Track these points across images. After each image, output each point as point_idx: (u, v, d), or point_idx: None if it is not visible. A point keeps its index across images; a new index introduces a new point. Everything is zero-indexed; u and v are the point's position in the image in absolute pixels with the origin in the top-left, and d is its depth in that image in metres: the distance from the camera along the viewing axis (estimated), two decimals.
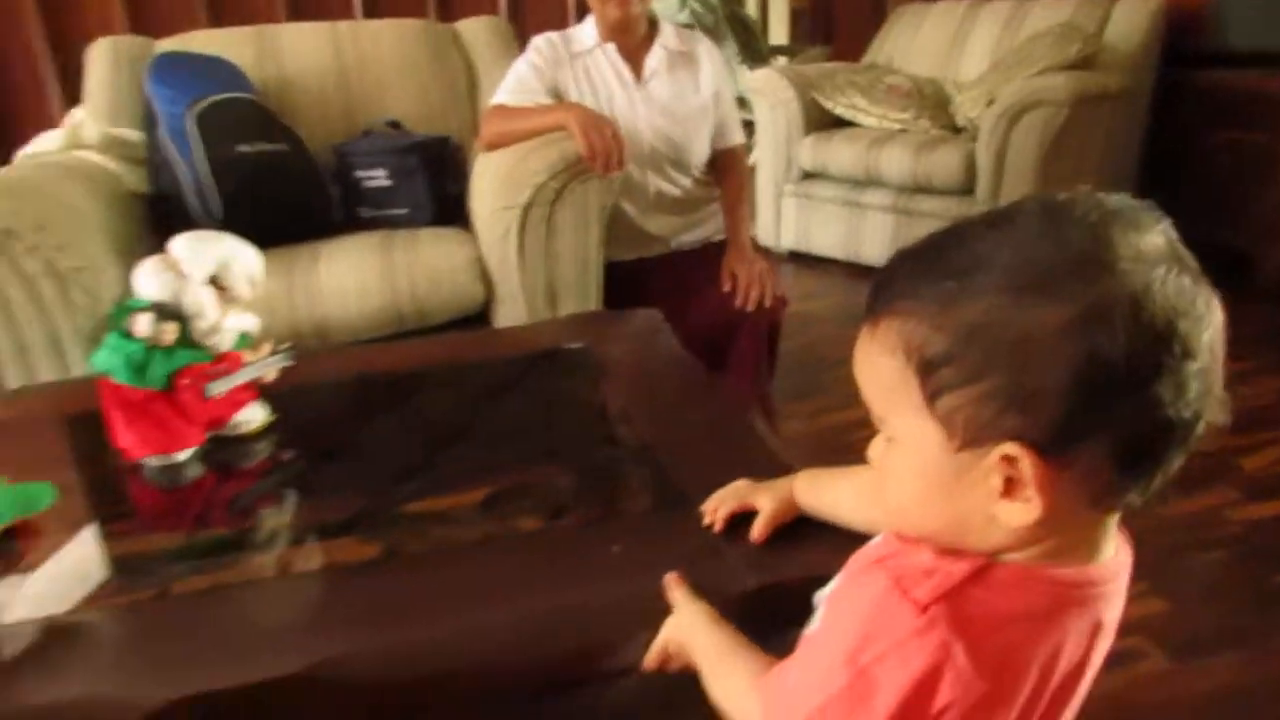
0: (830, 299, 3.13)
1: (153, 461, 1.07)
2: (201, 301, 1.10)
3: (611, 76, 2.01)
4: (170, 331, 1.06)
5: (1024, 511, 0.49)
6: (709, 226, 2.18)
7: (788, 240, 3.55)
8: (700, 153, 2.10)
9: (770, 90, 3.45)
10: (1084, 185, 0.51)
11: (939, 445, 0.50)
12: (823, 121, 3.41)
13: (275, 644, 0.78)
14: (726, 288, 1.99)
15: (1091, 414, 0.46)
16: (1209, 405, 0.48)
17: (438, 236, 1.96)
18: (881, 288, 0.53)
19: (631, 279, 2.02)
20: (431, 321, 1.87)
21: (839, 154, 3.25)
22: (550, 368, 1.41)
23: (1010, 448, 0.48)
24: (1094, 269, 0.46)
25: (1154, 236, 0.48)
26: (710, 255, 2.09)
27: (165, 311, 1.07)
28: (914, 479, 0.53)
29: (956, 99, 3.29)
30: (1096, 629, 0.54)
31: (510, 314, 1.87)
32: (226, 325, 1.13)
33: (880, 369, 0.52)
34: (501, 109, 1.96)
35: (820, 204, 3.37)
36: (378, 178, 2.12)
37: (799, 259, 3.53)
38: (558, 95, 1.99)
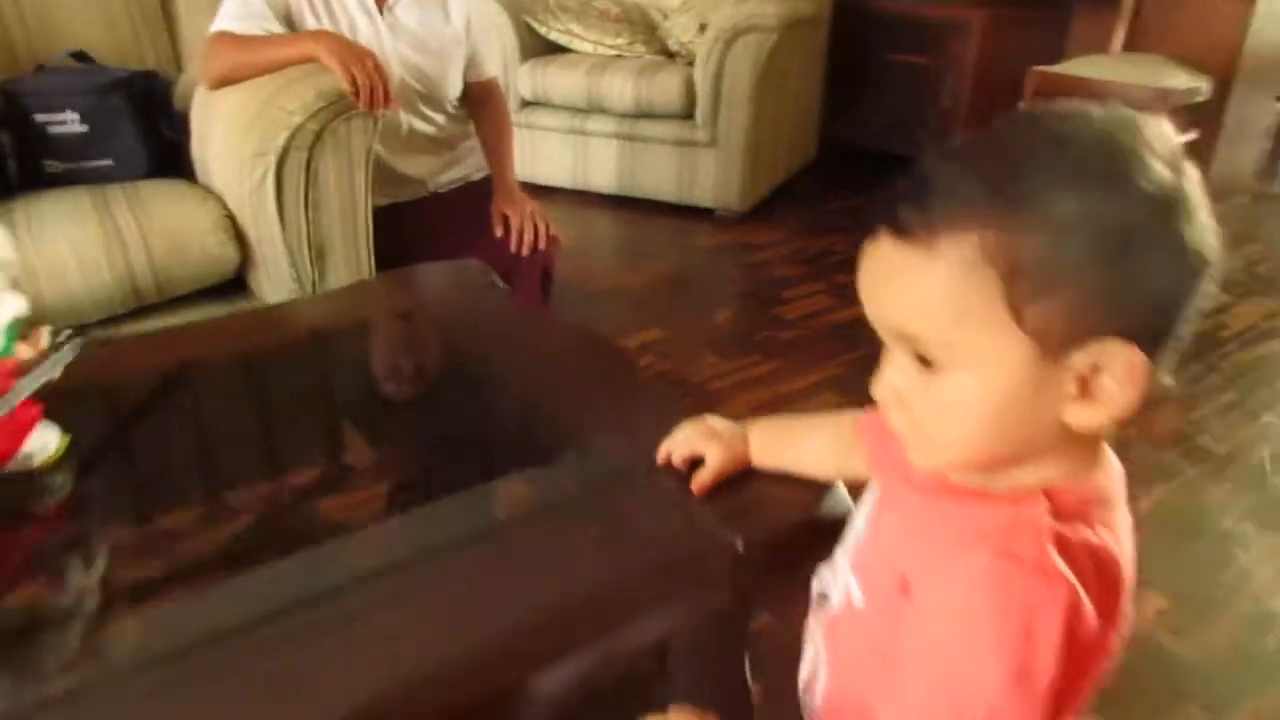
0: (567, 230, 3.07)
1: None
2: None
3: (353, 3, 1.80)
4: None
5: (1101, 411, 0.48)
6: (467, 165, 2.06)
7: None
8: (454, 86, 1.97)
9: (483, 14, 3.27)
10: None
11: (1023, 359, 0.47)
12: (539, 48, 3.30)
13: None
14: (499, 233, 1.90)
15: (1182, 297, 0.47)
16: None
17: (169, 192, 1.67)
18: (924, 202, 0.48)
19: (390, 225, 1.86)
20: (175, 293, 1.60)
21: (559, 81, 3.17)
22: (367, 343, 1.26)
23: (1115, 345, 0.46)
24: (1164, 157, 0.47)
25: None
26: (472, 196, 1.98)
27: None
28: (987, 403, 0.49)
29: (664, 24, 3.31)
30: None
31: (271, 277, 1.65)
32: None
33: (945, 291, 0.47)
34: (229, 37, 1.69)
35: (544, 133, 3.28)
36: (68, 122, 1.77)
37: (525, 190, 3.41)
38: (291, 24, 1.76)
